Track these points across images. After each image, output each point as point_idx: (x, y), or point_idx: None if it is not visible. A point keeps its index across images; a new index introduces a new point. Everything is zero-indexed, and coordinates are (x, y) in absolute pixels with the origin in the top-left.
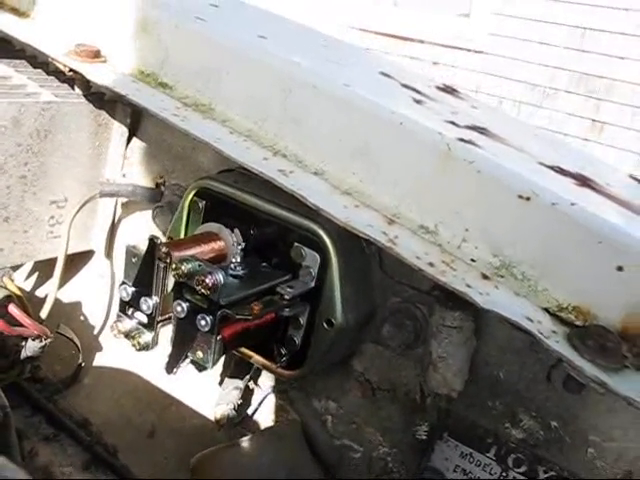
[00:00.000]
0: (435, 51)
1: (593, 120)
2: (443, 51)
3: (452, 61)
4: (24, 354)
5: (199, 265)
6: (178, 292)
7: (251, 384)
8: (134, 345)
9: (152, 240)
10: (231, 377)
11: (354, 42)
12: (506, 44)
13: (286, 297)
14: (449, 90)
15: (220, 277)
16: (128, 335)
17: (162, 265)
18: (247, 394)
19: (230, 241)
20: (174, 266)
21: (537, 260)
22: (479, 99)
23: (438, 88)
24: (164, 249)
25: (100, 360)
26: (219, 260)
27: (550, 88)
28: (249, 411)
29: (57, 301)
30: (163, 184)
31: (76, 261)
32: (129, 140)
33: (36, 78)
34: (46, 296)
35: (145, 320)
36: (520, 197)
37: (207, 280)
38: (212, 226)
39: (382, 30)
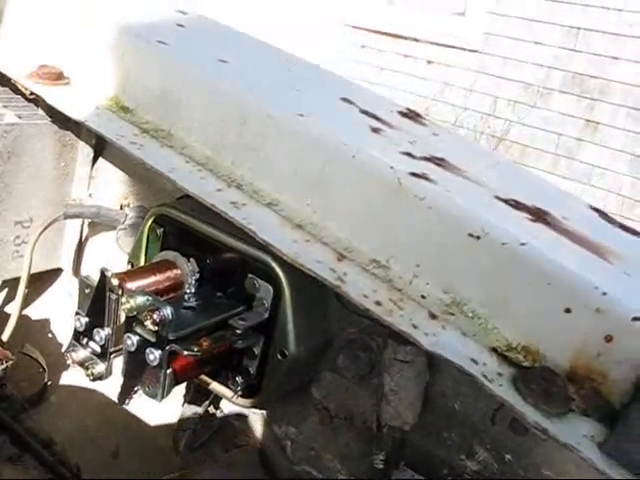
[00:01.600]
0: (429, 50)
1: (587, 120)
2: (437, 50)
3: (446, 60)
4: None
5: (148, 299)
6: (128, 325)
7: (211, 409)
8: (88, 375)
9: (103, 272)
10: (190, 402)
11: (348, 40)
12: (501, 43)
13: (238, 331)
14: (411, 115)
15: (168, 312)
16: (82, 365)
17: (114, 297)
18: (206, 419)
19: (186, 270)
20: (123, 300)
21: (487, 299)
22: (439, 125)
23: (400, 113)
24: (115, 281)
25: (66, 379)
26: (175, 288)
27: (544, 88)
28: (208, 436)
29: (25, 319)
30: (127, 205)
31: (44, 279)
32: (95, 160)
33: (1, 97)
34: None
35: (98, 350)
36: (470, 235)
37: (154, 316)
38: (169, 254)
39: (376, 28)
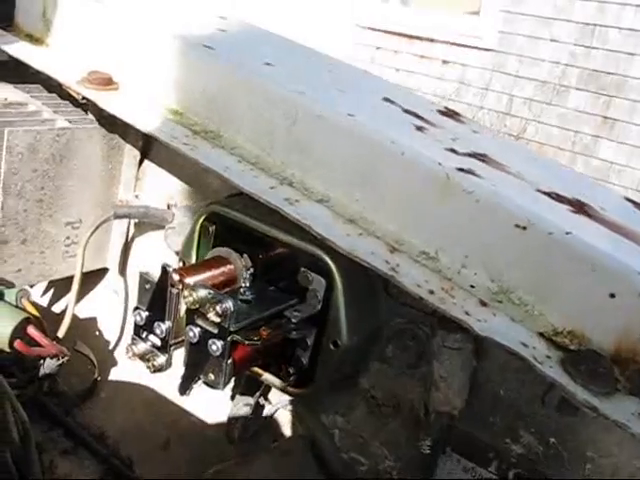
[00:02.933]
0: (445, 50)
1: (604, 117)
2: (453, 49)
3: (462, 59)
4: (42, 371)
5: (209, 293)
6: (190, 318)
7: (261, 400)
8: (149, 367)
9: (164, 268)
10: (242, 394)
11: (364, 42)
12: (516, 42)
13: (293, 321)
14: (450, 114)
15: (230, 305)
16: (143, 357)
17: (174, 291)
18: (257, 410)
19: (239, 265)
20: (186, 294)
21: (534, 286)
22: (477, 123)
23: (440, 112)
24: (176, 277)
25: (115, 374)
26: (229, 283)
27: (560, 85)
28: (260, 426)
29: (74, 317)
30: (175, 205)
31: (91, 278)
32: (141, 162)
33: (51, 103)
34: (62, 313)
35: (159, 343)
36: (517, 226)
37: (217, 308)
38: (222, 250)
39: (392, 29)
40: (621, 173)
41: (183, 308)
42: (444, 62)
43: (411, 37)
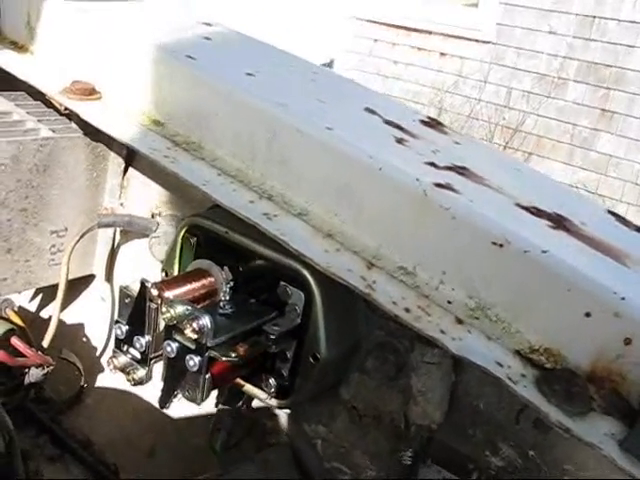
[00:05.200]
0: (443, 42)
1: (602, 110)
2: (451, 42)
3: (460, 52)
4: (27, 380)
5: (187, 309)
6: (168, 333)
7: (244, 410)
8: (129, 380)
9: (143, 283)
10: (225, 404)
11: (362, 34)
12: (514, 34)
13: (272, 336)
14: (433, 124)
15: (207, 321)
16: (123, 370)
17: (154, 306)
18: (240, 419)
19: (220, 278)
20: (163, 310)
21: (511, 303)
22: (460, 132)
23: (422, 122)
24: (155, 291)
25: (102, 381)
26: (210, 295)
27: (559, 78)
28: (242, 436)
29: (60, 323)
30: (159, 214)
31: (77, 285)
32: (126, 170)
33: (35, 112)
34: (48, 320)
35: (139, 357)
36: (494, 243)
37: (194, 324)
38: (203, 263)
39: (389, 21)
40: (619, 166)
41: (162, 322)
42: (442, 54)
43: (409, 29)
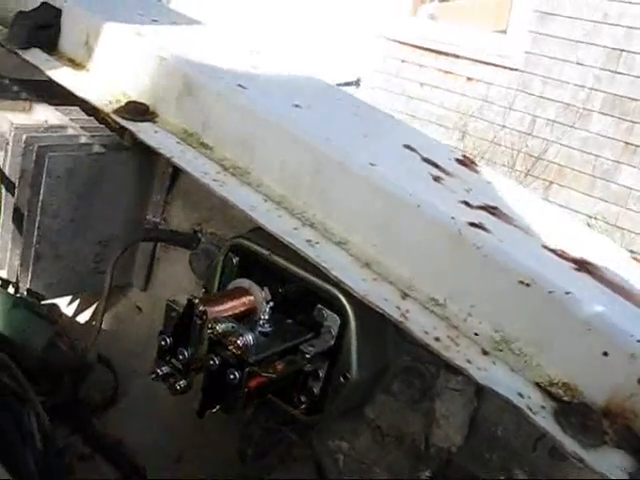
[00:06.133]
0: (470, 66)
1: (626, 143)
2: (478, 67)
3: (487, 77)
4: (67, 380)
5: (232, 326)
6: (211, 347)
7: (272, 423)
8: (170, 389)
9: (190, 300)
10: (254, 416)
11: (390, 54)
12: (542, 63)
13: (307, 356)
14: (467, 163)
15: (250, 339)
16: (165, 379)
17: (198, 322)
18: (268, 432)
19: (260, 297)
20: (209, 325)
21: (533, 339)
22: (491, 171)
23: (457, 160)
24: (201, 308)
25: (134, 387)
26: (249, 313)
27: (584, 109)
28: (269, 448)
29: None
30: (200, 232)
31: (116, 293)
32: (170, 187)
33: (88, 127)
34: (86, 324)
35: (180, 367)
36: (521, 282)
37: (238, 341)
38: (244, 282)
39: (418, 43)
40: None
41: (206, 337)
42: (468, 79)
43: (437, 52)
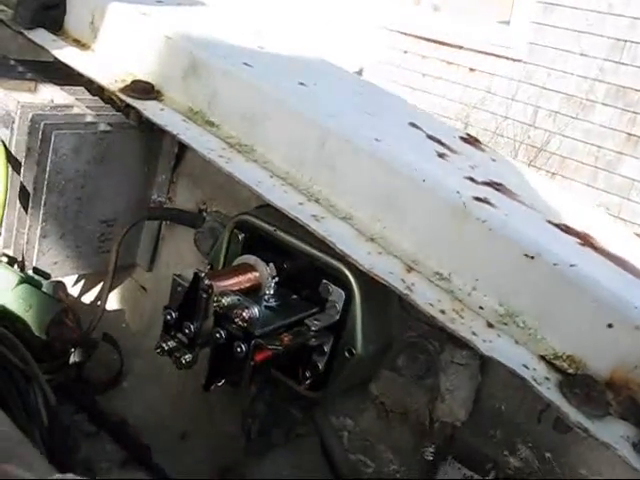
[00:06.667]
0: (473, 57)
1: (628, 134)
2: (481, 58)
3: (490, 68)
4: (72, 359)
5: (238, 299)
6: (218, 321)
7: (277, 399)
8: (176, 363)
9: (196, 274)
10: (259, 393)
11: (392, 45)
12: (545, 54)
13: (313, 329)
14: (471, 141)
15: (256, 311)
16: (171, 354)
17: (204, 296)
18: (273, 409)
19: (265, 273)
20: (216, 299)
21: (538, 312)
22: (495, 150)
23: (461, 139)
24: (207, 282)
25: (139, 366)
26: (254, 289)
27: (587, 100)
28: (274, 424)
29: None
30: (205, 210)
31: (120, 273)
32: (175, 166)
33: (93, 106)
34: (91, 304)
35: (186, 342)
36: (526, 255)
37: (244, 314)
38: (249, 258)
39: (421, 34)
40: None
41: (211, 311)
42: (471, 70)
43: (440, 43)
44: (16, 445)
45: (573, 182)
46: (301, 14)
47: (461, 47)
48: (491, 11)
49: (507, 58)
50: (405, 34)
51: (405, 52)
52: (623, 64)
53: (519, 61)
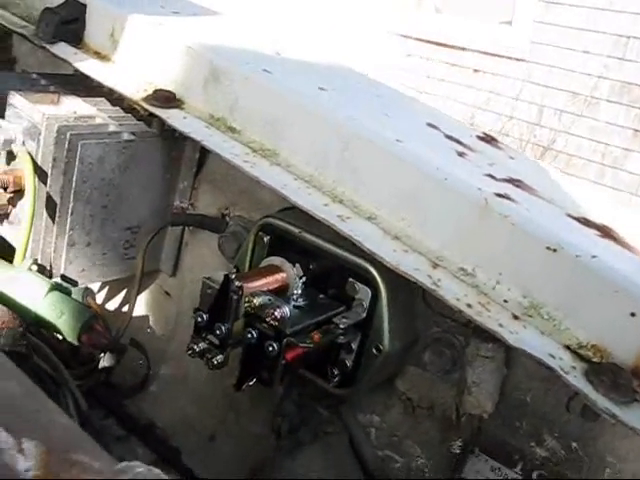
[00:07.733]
0: (476, 58)
1: (635, 130)
2: (484, 58)
3: (493, 69)
4: (102, 364)
5: (269, 299)
6: (249, 321)
7: (306, 398)
8: (207, 364)
9: (227, 276)
10: (288, 391)
11: (395, 48)
12: (548, 52)
13: (341, 327)
14: (488, 139)
15: (287, 310)
16: (202, 355)
17: (235, 297)
18: (302, 407)
19: (292, 274)
20: (247, 299)
21: (561, 303)
22: (513, 148)
23: (479, 138)
24: (237, 284)
25: (165, 370)
26: (282, 290)
27: (592, 97)
28: (303, 422)
29: (127, 314)
30: (228, 215)
31: (144, 278)
32: (197, 172)
33: (115, 117)
34: (116, 310)
35: (217, 343)
36: (548, 248)
37: (276, 313)
38: (275, 260)
39: (424, 37)
40: None
41: (242, 312)
42: (475, 71)
43: (443, 45)
44: (77, 436)
45: (580, 180)
46: (303, 19)
47: (464, 48)
48: (493, 12)
49: (510, 58)
50: (408, 37)
51: (408, 55)
52: (627, 60)
53: (522, 60)
